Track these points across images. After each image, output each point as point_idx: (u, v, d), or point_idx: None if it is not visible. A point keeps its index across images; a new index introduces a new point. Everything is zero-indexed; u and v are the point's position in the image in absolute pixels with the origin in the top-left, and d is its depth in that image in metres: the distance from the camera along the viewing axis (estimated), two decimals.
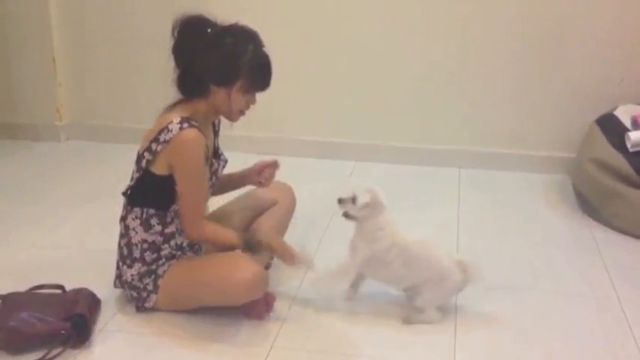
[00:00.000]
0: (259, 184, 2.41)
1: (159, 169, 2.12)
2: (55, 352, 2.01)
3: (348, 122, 3.80)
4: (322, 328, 2.23)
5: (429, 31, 3.58)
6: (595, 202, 3.06)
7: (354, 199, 2.18)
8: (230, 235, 2.22)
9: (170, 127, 2.06)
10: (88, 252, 2.67)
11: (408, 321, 2.25)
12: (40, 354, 1.99)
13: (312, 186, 3.26)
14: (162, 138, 2.07)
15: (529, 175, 3.59)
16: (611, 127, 3.18)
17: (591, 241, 2.86)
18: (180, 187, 2.11)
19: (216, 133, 2.34)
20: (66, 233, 2.89)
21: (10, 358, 2.00)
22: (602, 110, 3.35)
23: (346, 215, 2.23)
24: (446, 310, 2.30)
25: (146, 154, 2.11)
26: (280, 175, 2.51)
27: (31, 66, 3.98)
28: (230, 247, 2.20)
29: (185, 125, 2.05)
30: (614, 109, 3.31)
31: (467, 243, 2.81)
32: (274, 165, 2.39)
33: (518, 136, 3.65)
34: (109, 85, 3.92)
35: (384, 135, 3.77)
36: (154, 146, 2.09)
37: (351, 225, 2.25)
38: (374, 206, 2.19)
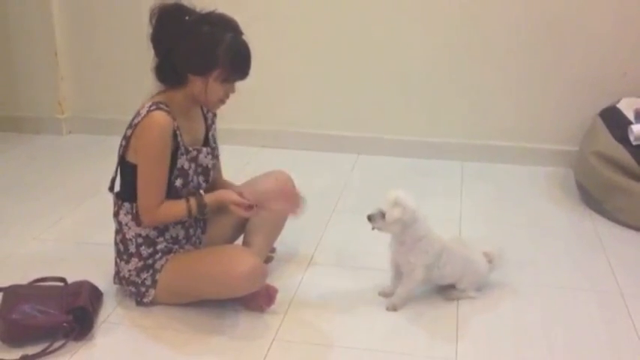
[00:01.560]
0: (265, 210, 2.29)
1: (132, 156, 2.12)
2: (57, 344, 2.01)
3: (350, 115, 3.79)
4: (325, 321, 2.22)
5: (433, 24, 3.56)
6: (598, 195, 3.05)
7: (383, 215, 2.15)
8: (180, 208, 2.13)
9: (141, 111, 2.08)
10: (90, 245, 2.67)
11: (449, 298, 2.34)
12: (42, 346, 1.99)
13: (314, 179, 3.26)
14: (132, 122, 2.09)
15: (532, 168, 3.58)
16: (614, 120, 3.17)
17: (594, 235, 2.85)
18: (140, 168, 2.09)
19: (208, 124, 2.31)
20: (68, 226, 2.90)
21: (12, 351, 2.00)
22: (605, 103, 3.33)
23: (379, 230, 2.20)
24: (448, 304, 2.31)
25: (123, 142, 2.14)
26: (282, 168, 2.51)
27: (34, 59, 3.98)
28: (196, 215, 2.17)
29: (153, 107, 2.06)
30: (617, 101, 3.30)
31: (469, 236, 2.80)
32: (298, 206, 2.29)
33: (521, 129, 3.64)
34: (111, 79, 3.92)
35: (386, 128, 3.76)
36: (127, 132, 2.12)
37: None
38: (406, 218, 2.16)
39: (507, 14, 3.47)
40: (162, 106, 2.07)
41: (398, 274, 2.31)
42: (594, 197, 3.07)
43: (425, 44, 3.60)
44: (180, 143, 2.13)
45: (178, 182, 2.15)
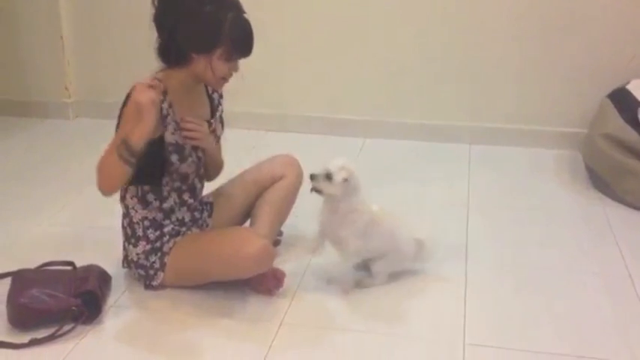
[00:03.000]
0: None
1: None
2: (66, 328, 2.02)
3: (356, 99, 3.77)
4: (333, 304, 2.23)
5: (439, 5, 3.53)
6: (607, 178, 3.03)
7: (328, 176, 2.12)
8: (107, 155, 2.04)
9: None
10: (98, 229, 2.68)
11: (361, 285, 2.29)
12: (51, 330, 2.01)
13: (320, 163, 3.24)
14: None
15: (540, 151, 3.56)
16: (623, 102, 3.14)
17: (603, 218, 2.84)
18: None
19: (214, 104, 2.30)
20: (76, 211, 2.90)
21: (21, 335, 2.01)
22: (614, 85, 3.30)
23: (317, 191, 2.16)
24: (454, 288, 2.31)
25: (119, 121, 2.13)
26: (289, 153, 2.51)
27: (40, 44, 3.97)
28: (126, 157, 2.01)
29: (141, 80, 2.05)
30: (627, 83, 3.26)
31: (477, 220, 2.80)
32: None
33: (529, 111, 3.61)
34: (117, 63, 3.91)
35: (393, 111, 3.74)
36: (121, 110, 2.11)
37: None
38: (350, 185, 2.13)
39: None
40: (153, 78, 2.07)
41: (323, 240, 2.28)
42: (603, 180, 3.05)
43: (431, 26, 3.57)
44: (170, 118, 2.11)
45: (174, 158, 2.15)
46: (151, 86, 2.03)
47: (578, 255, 2.56)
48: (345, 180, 2.11)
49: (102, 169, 2.06)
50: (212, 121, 2.28)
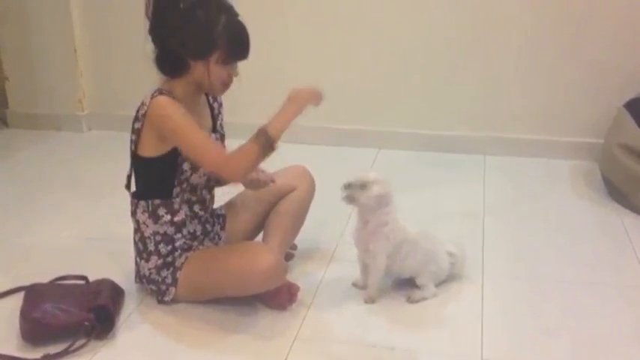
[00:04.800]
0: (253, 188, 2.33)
1: (145, 149, 2.11)
2: (79, 343, 2.00)
3: (370, 110, 3.75)
4: (348, 319, 2.20)
5: (453, 16, 3.51)
6: (624, 188, 2.99)
7: (363, 186, 2.13)
8: (247, 145, 2.04)
9: (144, 101, 2.08)
10: (111, 242, 2.67)
11: (411, 300, 2.27)
12: (63, 345, 1.99)
13: (334, 174, 3.23)
14: (139, 114, 2.09)
15: (555, 161, 3.53)
16: None
17: (621, 229, 2.80)
18: (181, 143, 2.06)
19: (214, 113, 2.30)
20: (89, 223, 2.90)
21: (34, 350, 2.00)
22: (631, 94, 3.26)
23: (350, 200, 2.16)
24: (471, 301, 2.28)
25: (133, 137, 2.13)
26: (301, 164, 2.49)
27: (53, 57, 4.00)
28: (259, 155, 2.05)
29: (156, 94, 2.06)
30: None
31: (493, 231, 2.77)
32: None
33: (544, 121, 3.58)
34: (130, 75, 3.91)
35: (407, 122, 3.72)
36: (135, 125, 2.11)
37: None
38: (384, 199, 2.15)
39: (528, 5, 3.42)
40: (164, 91, 2.08)
41: (365, 266, 2.28)
42: (620, 190, 3.02)
43: (445, 37, 3.55)
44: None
45: (186, 166, 2.14)
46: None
47: (595, 267, 2.52)
48: (382, 195, 2.13)
49: (245, 162, 2.06)
50: (217, 130, 2.28)
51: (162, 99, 2.05)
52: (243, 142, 2.05)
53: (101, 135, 4.02)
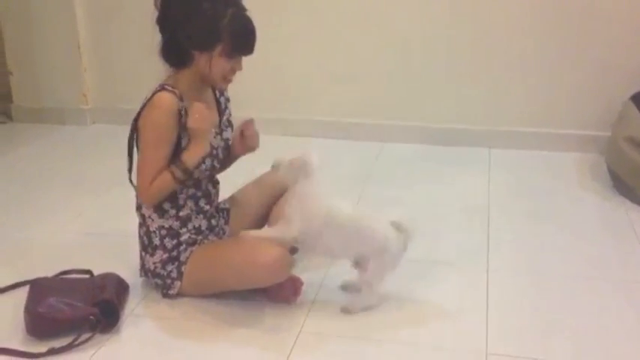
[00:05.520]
0: (246, 147, 2.31)
1: None
2: (84, 337, 2.01)
3: (374, 103, 3.74)
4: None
5: (457, 9, 3.50)
6: (630, 181, 2.98)
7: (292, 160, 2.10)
8: (166, 177, 2.08)
9: (148, 96, 2.08)
10: (115, 236, 2.67)
11: (346, 310, 2.18)
12: (68, 339, 1.99)
13: (338, 167, 3.23)
14: (141, 109, 2.10)
15: (561, 154, 3.51)
16: None
17: (627, 223, 2.78)
18: (139, 149, 2.11)
19: (221, 108, 2.29)
20: (93, 217, 2.90)
21: (39, 344, 2.01)
22: (637, 87, 3.25)
23: (273, 166, 2.15)
24: (476, 294, 2.27)
25: (135, 134, 2.14)
26: None
27: (57, 52, 4.01)
28: (182, 181, 2.10)
29: (158, 89, 2.06)
30: None
31: (498, 225, 2.76)
32: (250, 122, 2.29)
33: (550, 114, 3.57)
34: (134, 69, 3.92)
35: (411, 115, 3.71)
36: (139, 122, 2.11)
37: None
38: (302, 169, 2.08)
39: None
40: (167, 87, 2.07)
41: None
42: (627, 184, 3.00)
43: (450, 31, 3.54)
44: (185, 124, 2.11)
45: None
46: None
47: (601, 261, 2.51)
48: (296, 161, 2.09)
49: (161, 192, 2.12)
50: (222, 126, 2.27)
51: (161, 98, 2.05)
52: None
53: (105, 129, 4.02)
